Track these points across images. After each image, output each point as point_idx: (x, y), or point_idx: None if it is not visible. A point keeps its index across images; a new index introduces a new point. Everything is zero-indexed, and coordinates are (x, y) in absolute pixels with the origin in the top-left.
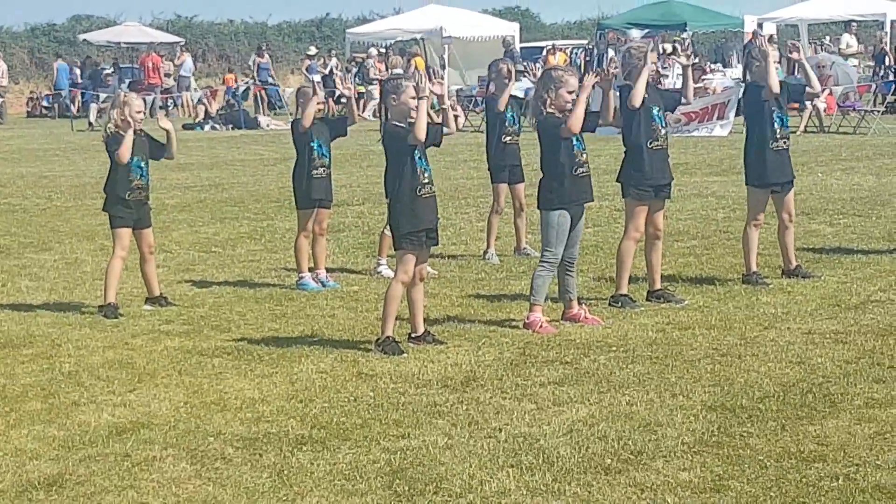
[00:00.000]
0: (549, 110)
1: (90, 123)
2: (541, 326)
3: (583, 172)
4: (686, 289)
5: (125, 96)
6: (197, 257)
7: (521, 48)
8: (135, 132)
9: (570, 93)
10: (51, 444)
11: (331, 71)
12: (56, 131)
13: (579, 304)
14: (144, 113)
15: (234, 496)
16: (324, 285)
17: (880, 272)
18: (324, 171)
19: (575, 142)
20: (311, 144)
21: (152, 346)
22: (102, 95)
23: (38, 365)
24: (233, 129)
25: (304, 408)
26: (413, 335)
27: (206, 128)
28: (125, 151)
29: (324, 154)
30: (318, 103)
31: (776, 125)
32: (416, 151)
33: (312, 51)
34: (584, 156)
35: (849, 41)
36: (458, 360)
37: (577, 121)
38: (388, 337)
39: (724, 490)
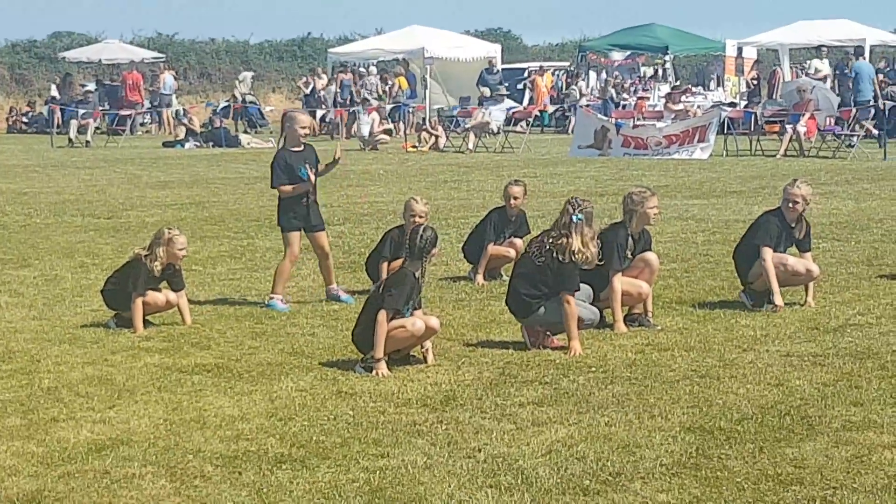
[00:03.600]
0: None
1: (70, 140)
2: None
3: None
4: (665, 310)
5: (169, 233)
6: None
7: (503, 69)
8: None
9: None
10: (29, 460)
11: (312, 90)
12: (35, 147)
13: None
14: (126, 130)
15: None
16: (339, 300)
17: (859, 296)
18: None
19: None
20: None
21: (132, 362)
22: (81, 111)
23: (17, 381)
24: (214, 147)
25: (283, 426)
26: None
27: (187, 146)
28: (138, 326)
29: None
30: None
31: (780, 248)
32: None
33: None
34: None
35: (818, 66)
36: (437, 379)
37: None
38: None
39: None
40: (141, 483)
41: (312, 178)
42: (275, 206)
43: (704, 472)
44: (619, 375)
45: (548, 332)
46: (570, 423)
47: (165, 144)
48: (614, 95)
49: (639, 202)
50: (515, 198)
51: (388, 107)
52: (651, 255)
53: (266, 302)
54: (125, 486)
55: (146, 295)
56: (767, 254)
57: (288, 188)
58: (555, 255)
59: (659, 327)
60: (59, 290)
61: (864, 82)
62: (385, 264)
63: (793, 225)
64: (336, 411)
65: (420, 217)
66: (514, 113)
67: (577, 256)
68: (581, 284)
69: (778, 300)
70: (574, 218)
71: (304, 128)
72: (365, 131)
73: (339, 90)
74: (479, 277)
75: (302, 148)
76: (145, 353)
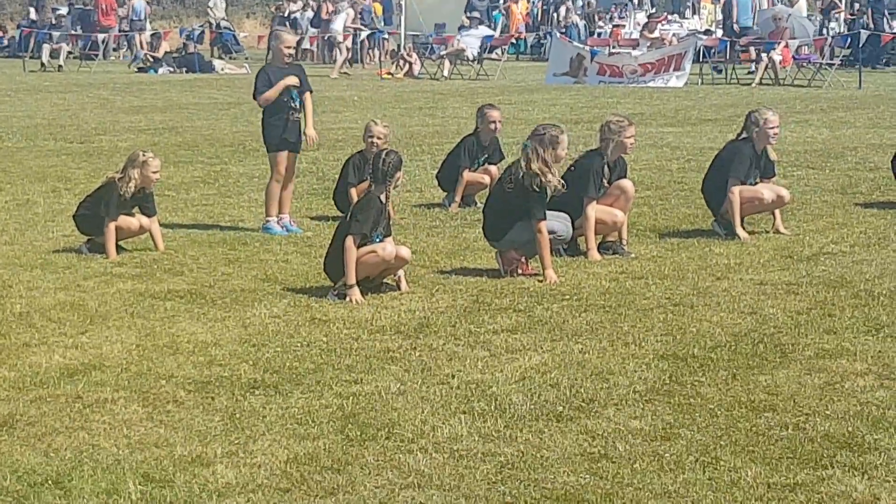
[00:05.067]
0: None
1: (42, 64)
2: None
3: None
4: (640, 238)
5: (144, 155)
6: None
7: None
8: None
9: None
10: (1, 384)
11: (288, 15)
12: (7, 72)
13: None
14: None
15: (185, 439)
16: (288, 230)
17: (833, 224)
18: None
19: None
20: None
21: (104, 288)
22: (55, 35)
23: None
24: (187, 72)
25: (256, 352)
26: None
27: (161, 71)
28: (111, 251)
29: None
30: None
31: (750, 179)
32: None
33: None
34: None
35: None
36: (411, 306)
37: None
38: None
39: (674, 438)
40: (113, 408)
41: (304, 103)
42: (249, 131)
43: (677, 398)
44: (592, 303)
45: (522, 259)
46: (544, 351)
47: (139, 70)
48: (578, 22)
49: (616, 131)
50: (496, 121)
51: (364, 34)
52: (626, 183)
53: (261, 226)
54: (97, 410)
55: (118, 220)
56: (736, 188)
57: (270, 93)
58: (523, 181)
59: (633, 255)
60: (30, 214)
61: (743, 8)
62: (353, 191)
63: (760, 153)
64: (309, 338)
65: (378, 139)
66: (491, 43)
67: (535, 180)
68: (557, 212)
69: (741, 233)
70: (524, 144)
71: (288, 47)
72: (338, 25)
73: (359, 15)
74: (455, 205)
75: (286, 67)
76: (118, 279)
